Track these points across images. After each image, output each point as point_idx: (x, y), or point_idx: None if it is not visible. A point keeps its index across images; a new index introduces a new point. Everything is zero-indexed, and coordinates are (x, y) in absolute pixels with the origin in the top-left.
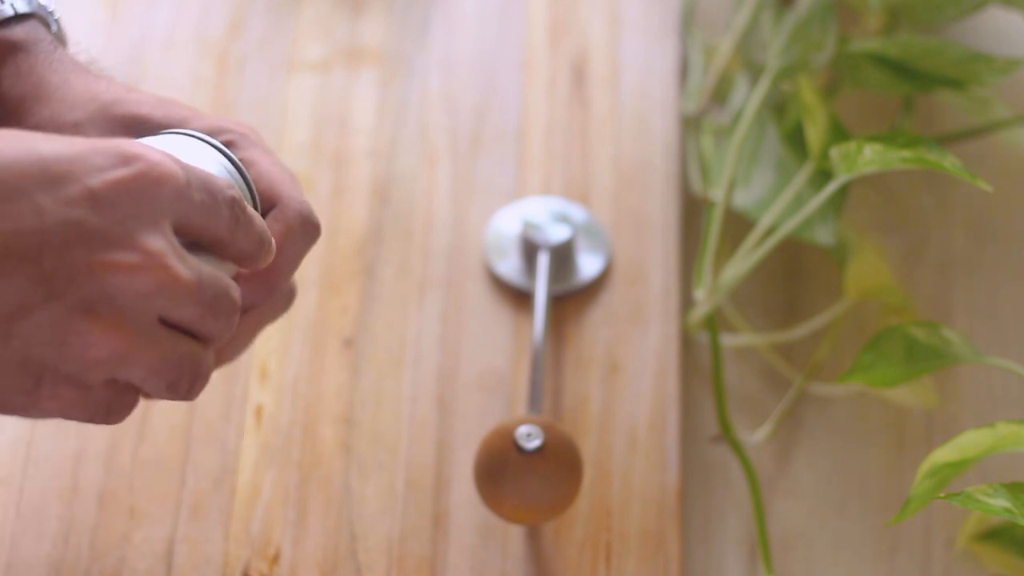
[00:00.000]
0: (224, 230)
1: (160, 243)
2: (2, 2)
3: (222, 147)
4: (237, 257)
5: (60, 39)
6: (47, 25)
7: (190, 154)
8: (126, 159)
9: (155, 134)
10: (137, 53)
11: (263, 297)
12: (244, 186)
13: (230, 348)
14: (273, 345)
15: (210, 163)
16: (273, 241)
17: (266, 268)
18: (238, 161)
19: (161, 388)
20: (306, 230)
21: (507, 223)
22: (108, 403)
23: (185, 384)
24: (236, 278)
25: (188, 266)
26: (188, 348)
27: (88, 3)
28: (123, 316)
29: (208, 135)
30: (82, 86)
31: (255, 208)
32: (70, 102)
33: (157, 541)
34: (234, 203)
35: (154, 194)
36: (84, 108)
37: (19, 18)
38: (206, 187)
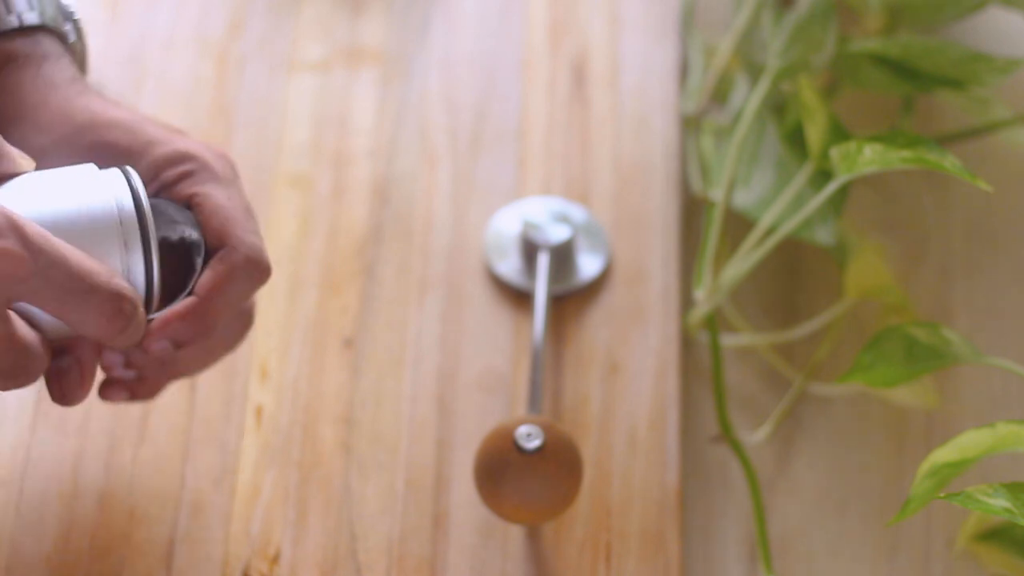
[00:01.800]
0: (95, 325)
1: None
2: (8, 12)
3: (135, 186)
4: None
5: (74, 50)
6: (62, 37)
7: (80, 203)
8: None
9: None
10: (137, 53)
11: (197, 337)
12: (138, 232)
13: (178, 375)
14: (273, 345)
15: (103, 214)
16: (142, 330)
17: (203, 308)
18: (146, 206)
19: None
20: (250, 273)
21: (507, 223)
22: None
23: None
24: (172, 317)
25: None
26: None
27: (88, 3)
28: None
29: (165, 162)
30: (57, 107)
31: (148, 257)
32: (41, 124)
33: (157, 541)
34: (119, 299)
35: None
36: (53, 132)
37: (25, 30)
38: (77, 277)
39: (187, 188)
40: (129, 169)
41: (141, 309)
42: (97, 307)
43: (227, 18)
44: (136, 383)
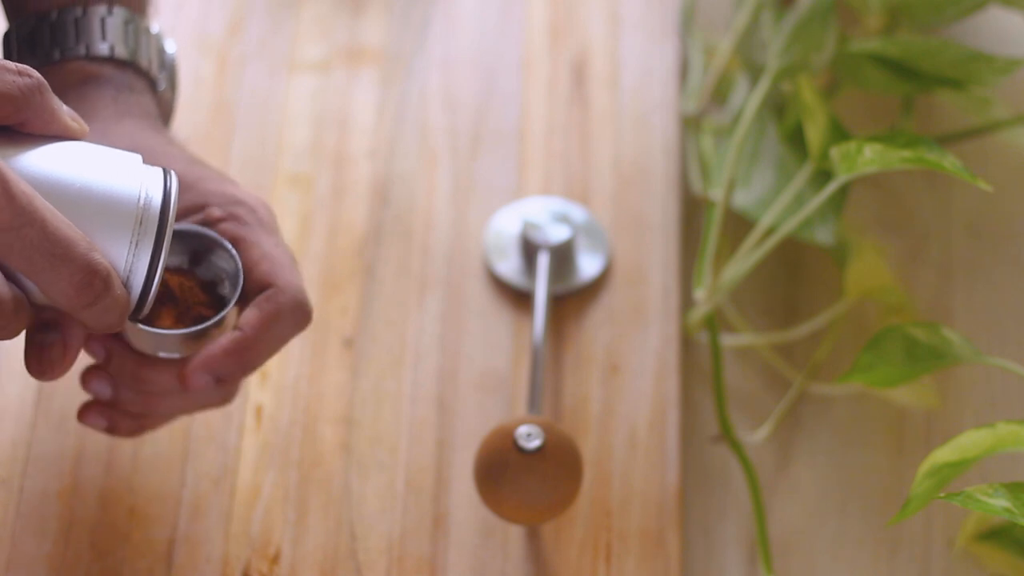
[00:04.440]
0: (63, 294)
1: None
2: (103, 40)
3: (170, 189)
4: (82, 321)
5: (162, 100)
6: (151, 82)
7: (109, 183)
8: None
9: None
10: None
11: (239, 373)
12: (155, 234)
13: (158, 416)
14: None
15: (125, 203)
16: (116, 313)
17: (249, 344)
18: (171, 213)
19: None
20: (296, 316)
21: (507, 223)
22: None
23: None
24: (217, 352)
25: None
26: None
27: None
28: None
29: (216, 198)
30: (128, 127)
31: (155, 262)
32: (108, 134)
33: (157, 541)
34: (91, 274)
35: None
36: (116, 143)
37: (115, 61)
38: (51, 241)
39: (235, 230)
40: (173, 173)
41: (118, 292)
42: (67, 276)
43: (227, 18)
44: (117, 416)
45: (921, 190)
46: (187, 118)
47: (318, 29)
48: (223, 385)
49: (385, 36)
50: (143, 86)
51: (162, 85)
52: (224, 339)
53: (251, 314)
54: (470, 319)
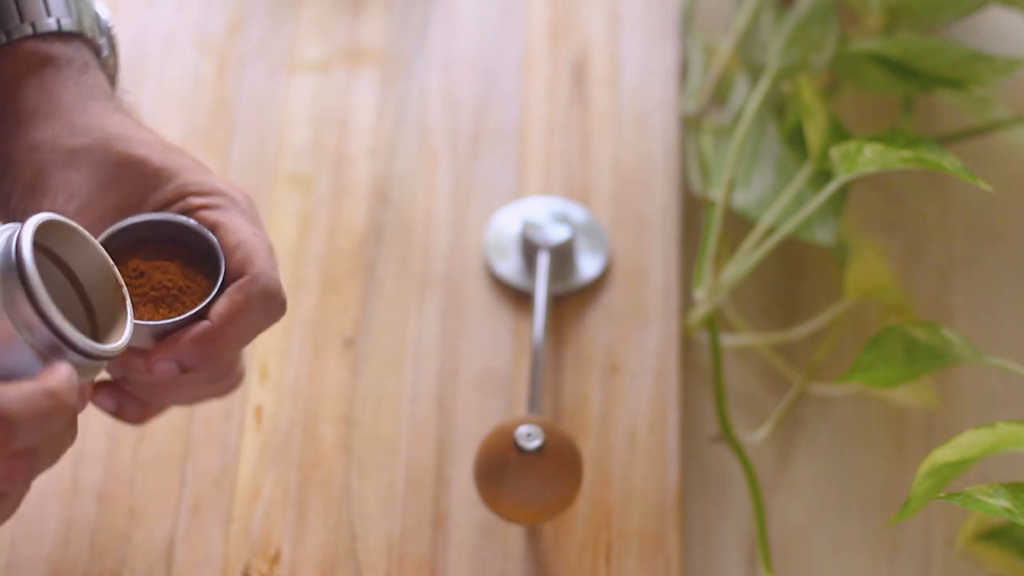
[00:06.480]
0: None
1: None
2: (48, 15)
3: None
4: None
5: (107, 65)
6: (96, 50)
7: None
8: None
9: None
10: (137, 53)
11: (205, 363)
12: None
13: (154, 407)
14: (273, 345)
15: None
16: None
17: (216, 335)
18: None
19: None
20: (267, 307)
21: (507, 223)
22: None
23: None
24: (183, 340)
25: None
26: None
27: None
28: None
29: (196, 189)
30: (95, 113)
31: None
32: (76, 128)
33: (157, 541)
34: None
35: None
36: (87, 136)
37: (62, 35)
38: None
39: (213, 216)
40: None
41: (64, 380)
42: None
43: (227, 18)
44: (126, 399)
45: (921, 190)
46: (187, 118)
47: (318, 29)
48: (191, 374)
49: (385, 36)
50: (94, 59)
51: (105, 51)
52: (192, 329)
53: (221, 303)
54: (470, 319)
